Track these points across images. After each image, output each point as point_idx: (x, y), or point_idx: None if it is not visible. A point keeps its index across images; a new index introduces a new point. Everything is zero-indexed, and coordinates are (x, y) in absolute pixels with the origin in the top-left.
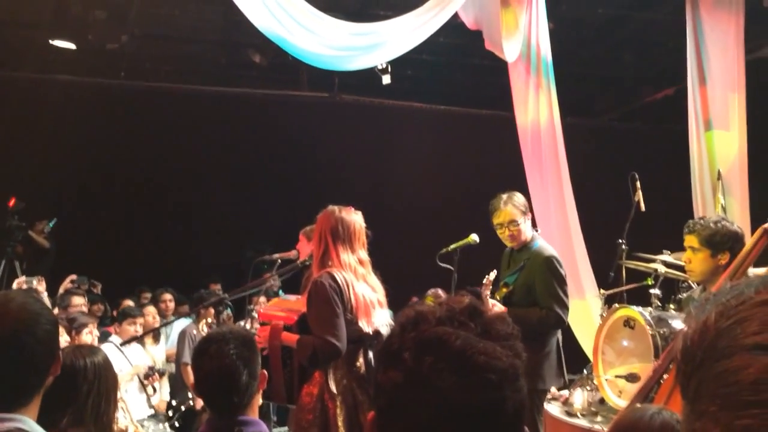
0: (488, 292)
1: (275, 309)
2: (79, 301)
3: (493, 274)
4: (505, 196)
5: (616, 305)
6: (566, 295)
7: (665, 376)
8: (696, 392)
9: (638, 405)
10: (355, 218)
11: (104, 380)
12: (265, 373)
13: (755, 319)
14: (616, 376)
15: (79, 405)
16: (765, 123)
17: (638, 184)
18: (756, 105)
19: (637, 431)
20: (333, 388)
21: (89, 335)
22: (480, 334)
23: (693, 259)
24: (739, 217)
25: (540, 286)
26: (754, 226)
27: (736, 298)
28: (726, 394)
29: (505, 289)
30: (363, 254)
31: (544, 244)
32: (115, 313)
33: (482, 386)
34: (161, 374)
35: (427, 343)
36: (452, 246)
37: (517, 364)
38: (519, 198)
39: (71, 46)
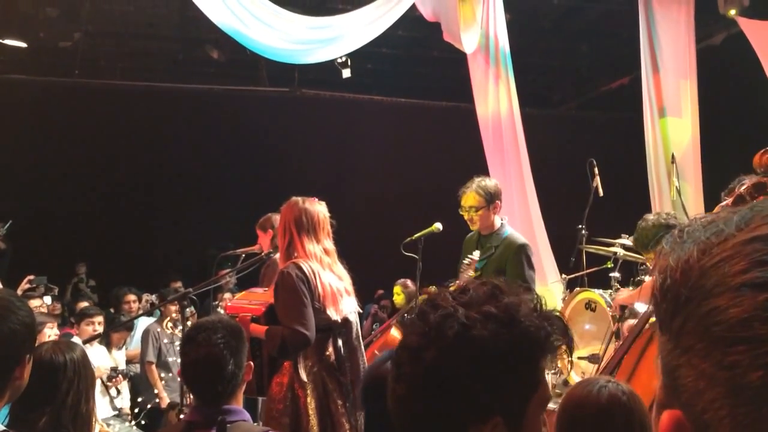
0: (471, 272)
1: (243, 301)
2: (36, 303)
3: (476, 254)
4: (476, 180)
5: (578, 289)
6: (534, 283)
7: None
8: (681, 329)
9: (587, 378)
10: (319, 208)
11: (83, 377)
12: (251, 364)
13: (740, 257)
14: (579, 358)
15: (57, 404)
16: (716, 109)
17: (596, 170)
18: (707, 92)
19: (586, 407)
20: (303, 376)
21: (50, 332)
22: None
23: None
24: (693, 200)
25: (511, 271)
26: (708, 208)
27: (717, 236)
28: (714, 331)
29: (472, 274)
30: (328, 244)
31: (515, 233)
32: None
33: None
34: (125, 376)
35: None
36: (416, 235)
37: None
38: (487, 184)
39: (22, 44)
